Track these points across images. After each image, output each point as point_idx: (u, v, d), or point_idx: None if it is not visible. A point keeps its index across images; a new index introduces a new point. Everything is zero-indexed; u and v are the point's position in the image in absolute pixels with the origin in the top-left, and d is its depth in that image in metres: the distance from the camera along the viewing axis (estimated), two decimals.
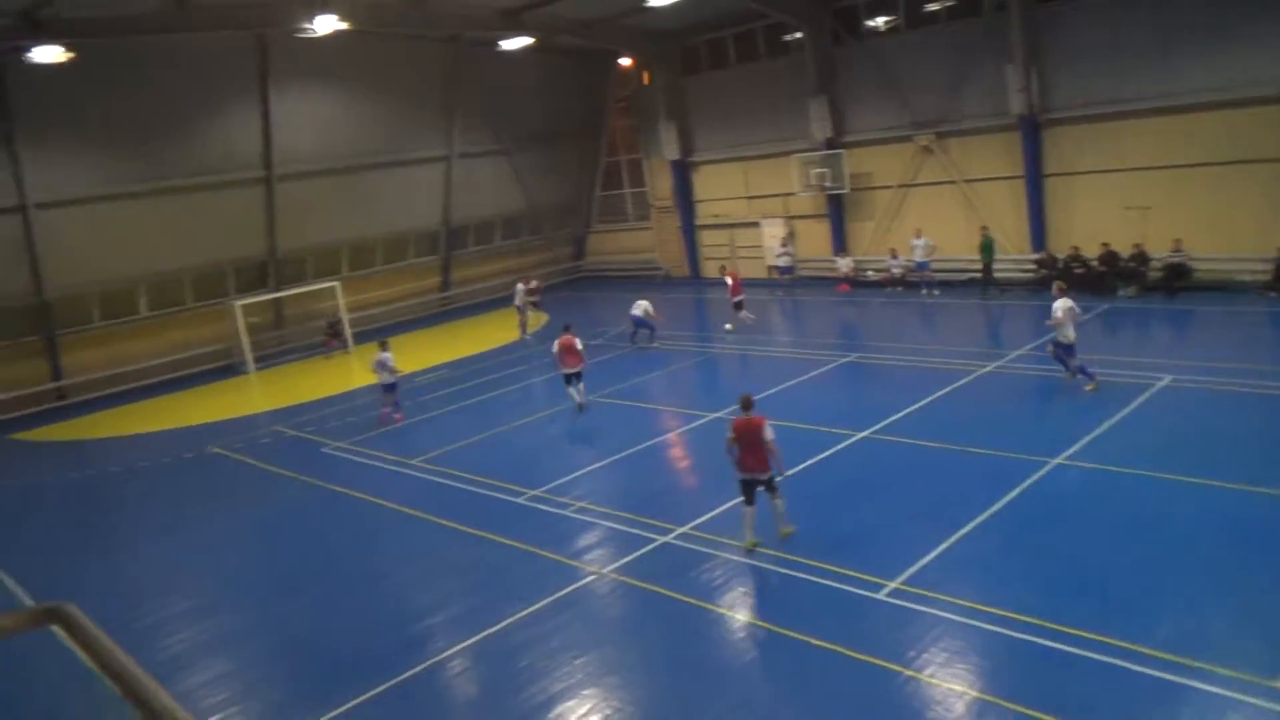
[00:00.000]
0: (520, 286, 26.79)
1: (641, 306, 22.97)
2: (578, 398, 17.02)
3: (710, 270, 33.15)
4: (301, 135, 27.99)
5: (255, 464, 17.77)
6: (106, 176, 24.84)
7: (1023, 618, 8.99)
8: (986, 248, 23.99)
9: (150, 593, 12.45)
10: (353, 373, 26.57)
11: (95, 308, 25.98)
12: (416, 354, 25.59)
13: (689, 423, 16.59)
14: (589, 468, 14.83)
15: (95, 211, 24.84)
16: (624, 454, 15.22)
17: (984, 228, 24.77)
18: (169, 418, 22.96)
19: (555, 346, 17.33)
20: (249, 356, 27.35)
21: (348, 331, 29.13)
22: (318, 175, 28.85)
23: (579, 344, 17.14)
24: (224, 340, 27.98)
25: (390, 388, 18.67)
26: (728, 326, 23.58)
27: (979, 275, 24.31)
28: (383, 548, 12.99)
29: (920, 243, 26.15)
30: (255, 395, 25.44)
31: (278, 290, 29.00)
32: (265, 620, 11.35)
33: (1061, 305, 14.95)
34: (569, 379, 17.33)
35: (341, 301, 29.11)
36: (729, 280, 23.72)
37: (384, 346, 18.86)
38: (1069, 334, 15.04)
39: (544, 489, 14.04)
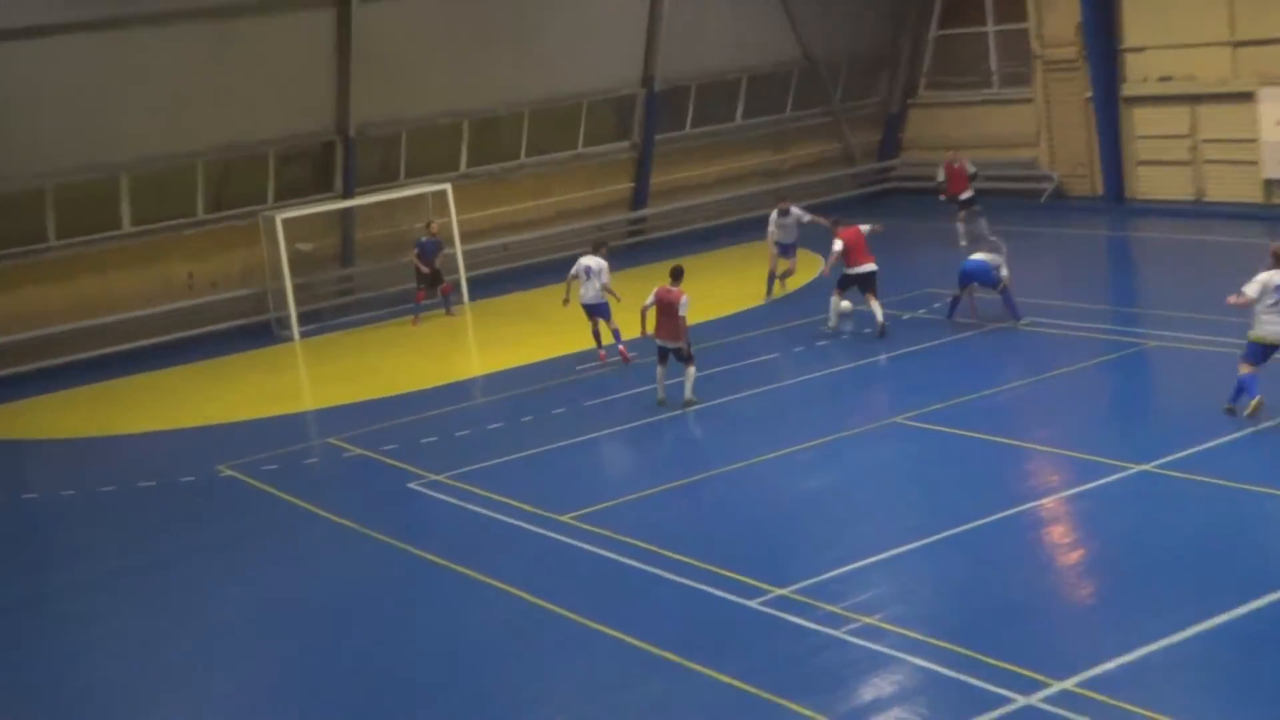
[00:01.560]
0: (775, 216, 27.38)
1: (990, 253, 23.78)
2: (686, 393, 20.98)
3: (1152, 183, 32.55)
4: None
5: (294, 501, 18.80)
6: None
7: None
8: None
9: (115, 716, 13.35)
10: (466, 350, 27.67)
11: (49, 216, 28.17)
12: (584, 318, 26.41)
13: (1086, 478, 16.57)
14: (885, 553, 14.93)
15: (55, 49, 26.58)
16: (953, 531, 15.29)
17: None
18: (156, 410, 24.66)
19: (650, 298, 20.81)
20: (293, 312, 29.09)
21: (461, 274, 30.49)
22: None
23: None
24: (254, 281, 29.95)
25: (598, 309, 23.54)
26: (961, 242, 28.87)
27: None
28: (507, 669, 13.45)
29: None
30: (300, 380, 27.01)
31: (346, 196, 30.73)
32: None
33: None
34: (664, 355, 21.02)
35: (454, 220, 30.48)
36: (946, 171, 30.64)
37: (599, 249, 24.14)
38: None
39: (799, 586, 14.16)
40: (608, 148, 34.69)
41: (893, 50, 37.64)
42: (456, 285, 30.10)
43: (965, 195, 30.76)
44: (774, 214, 27.69)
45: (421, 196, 30.87)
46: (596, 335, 23.95)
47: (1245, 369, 17.60)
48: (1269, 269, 17.67)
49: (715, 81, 35.53)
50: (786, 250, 27.73)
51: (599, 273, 23.48)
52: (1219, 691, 11.50)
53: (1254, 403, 17.38)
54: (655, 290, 20.67)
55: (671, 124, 35.30)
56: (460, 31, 30.79)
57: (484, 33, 31.16)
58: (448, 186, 30.70)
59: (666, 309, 20.34)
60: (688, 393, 20.67)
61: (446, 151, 32.31)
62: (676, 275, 20.65)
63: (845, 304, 24.50)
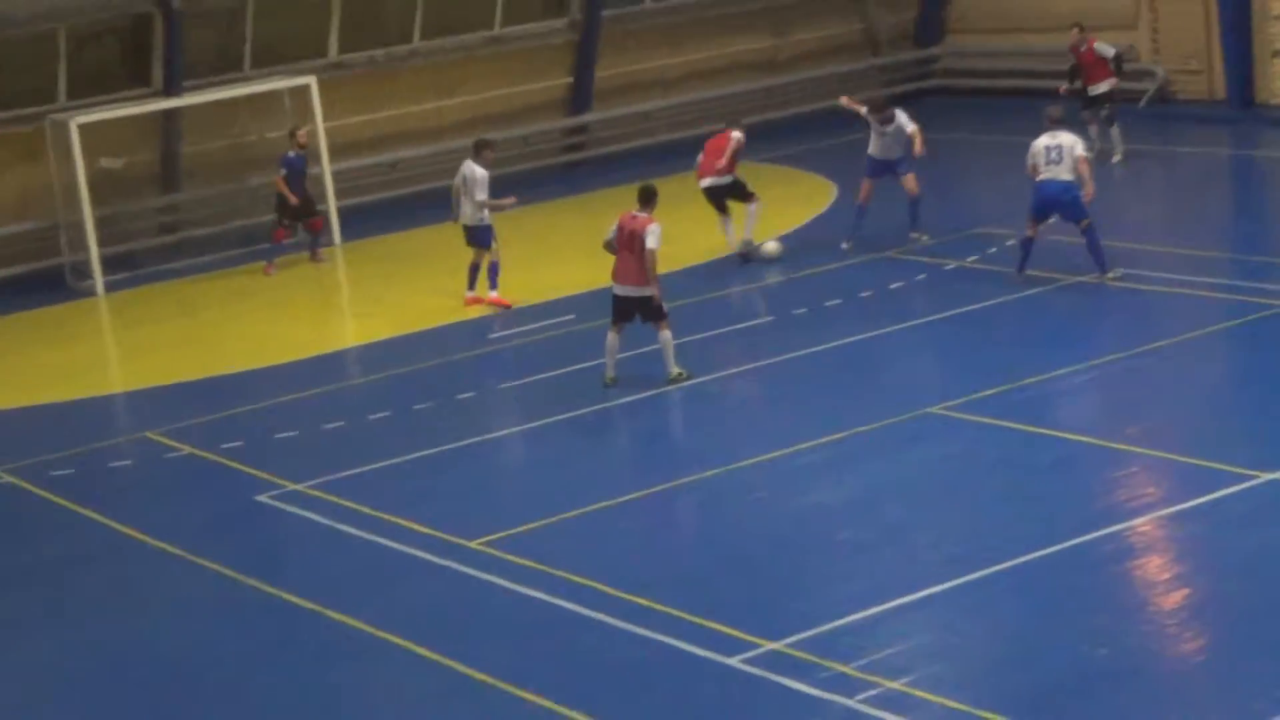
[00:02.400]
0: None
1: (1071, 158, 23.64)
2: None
3: None
4: None
5: (96, 518, 18.81)
6: None
7: None
8: None
9: None
10: (333, 310, 27.77)
11: None
12: (519, 270, 26.57)
13: (1200, 490, 16.76)
14: (916, 593, 15.00)
15: None
16: (1010, 563, 15.40)
17: None
18: None
19: (611, 230, 21.22)
20: (94, 255, 29.15)
21: (330, 205, 30.68)
22: None
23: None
24: (37, 213, 30.07)
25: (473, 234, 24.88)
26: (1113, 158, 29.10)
27: None
28: None
29: None
30: (106, 351, 26.97)
31: (170, 93, 30.74)
32: None
33: None
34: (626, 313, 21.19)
35: (320, 128, 30.54)
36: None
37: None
38: None
39: (797, 639, 14.18)
40: (536, 27, 34.87)
41: None
42: (326, 220, 30.15)
43: (1102, 88, 30.81)
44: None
45: (275, 94, 30.91)
46: (473, 270, 24.91)
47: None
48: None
49: None
50: (884, 169, 27.09)
51: (477, 184, 24.44)
52: None
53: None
54: (618, 219, 20.87)
55: None
56: None
57: None
58: (311, 80, 30.76)
59: (628, 241, 20.49)
60: (670, 367, 20.85)
61: (310, 31, 32.39)
62: (646, 198, 20.83)
63: (772, 245, 25.27)
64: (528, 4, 34.59)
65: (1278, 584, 14.49)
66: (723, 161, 26.15)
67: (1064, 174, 23.16)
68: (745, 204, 26.47)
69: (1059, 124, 23.80)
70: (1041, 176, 23.24)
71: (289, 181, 28.82)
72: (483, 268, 24.84)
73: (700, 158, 26.69)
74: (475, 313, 25.19)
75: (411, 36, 33.34)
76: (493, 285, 24.84)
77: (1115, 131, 29.35)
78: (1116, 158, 29.82)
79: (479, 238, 24.79)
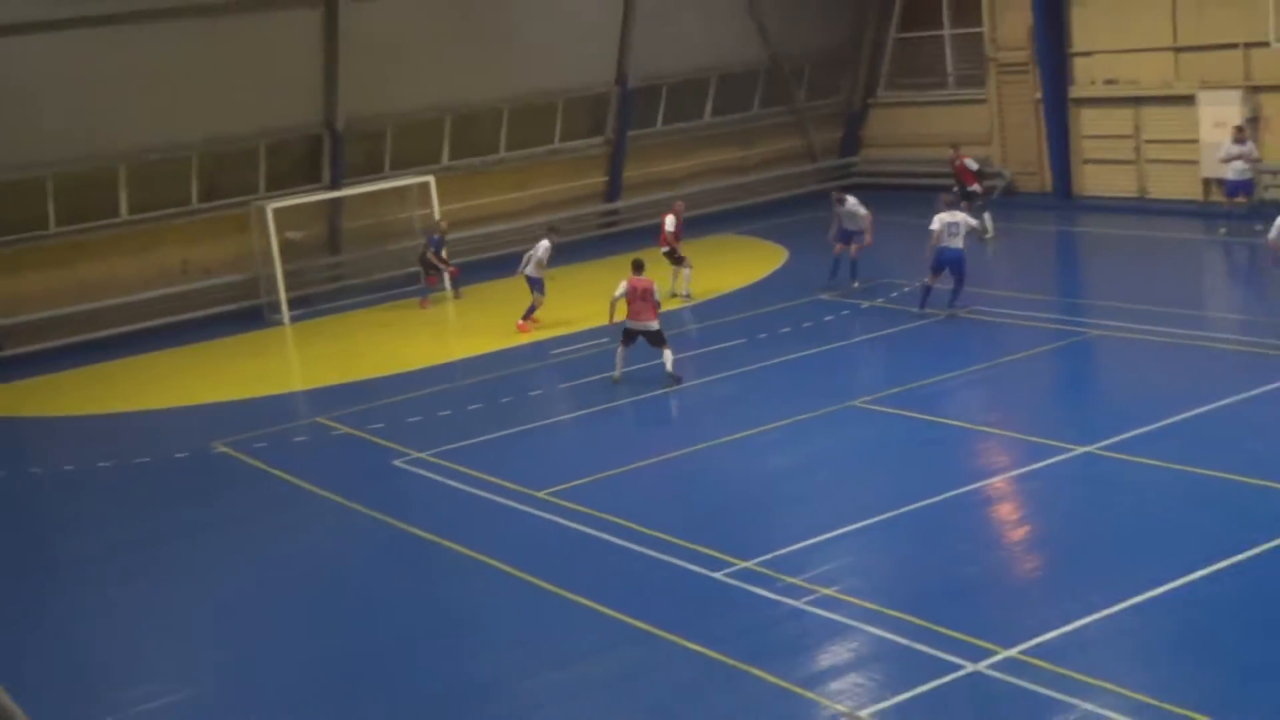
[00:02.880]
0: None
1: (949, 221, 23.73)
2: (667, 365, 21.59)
3: (1097, 181, 32.83)
4: None
5: (284, 477, 18.97)
6: None
7: None
8: None
9: (116, 677, 13.51)
10: (448, 333, 27.81)
11: (49, 204, 28.24)
12: (562, 305, 26.64)
13: (1032, 459, 16.75)
14: (845, 528, 15.07)
15: (55, 44, 26.73)
16: (907, 508, 15.44)
17: None
18: (151, 390, 24.82)
19: (622, 288, 21.54)
20: (282, 296, 29.25)
21: (444, 263, 30.56)
22: None
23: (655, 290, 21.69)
24: (245, 267, 30.01)
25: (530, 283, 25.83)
26: (986, 235, 28.83)
27: None
28: (487, 637, 13.61)
29: None
30: (290, 361, 27.09)
31: (334, 187, 30.84)
32: None
33: None
34: (633, 338, 21.61)
35: (436, 209, 30.55)
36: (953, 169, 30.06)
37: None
38: None
39: (762, 559, 14.31)
40: (583, 143, 34.69)
41: (854, 52, 37.71)
42: (440, 274, 30.12)
43: (974, 188, 29.98)
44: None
45: (406, 187, 30.89)
46: (530, 309, 25.72)
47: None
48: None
49: (685, 81, 35.55)
50: (846, 237, 26.82)
51: (542, 251, 25.40)
52: (1154, 659, 11.73)
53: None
54: (626, 280, 21.31)
55: (643, 121, 35.32)
56: (443, 30, 30.84)
57: (465, 32, 31.17)
58: (431, 178, 30.75)
59: (644, 294, 21.11)
60: (669, 367, 21.15)
61: (430, 145, 32.29)
62: (638, 267, 21.59)
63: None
64: (577, 127, 34.55)
65: (1090, 524, 14.69)
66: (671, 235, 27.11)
67: (958, 243, 23.17)
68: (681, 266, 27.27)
69: (952, 206, 23.90)
70: (944, 244, 23.14)
71: (435, 250, 28.83)
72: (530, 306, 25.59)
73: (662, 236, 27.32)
74: (539, 336, 25.18)
75: (499, 148, 33.36)
76: (525, 316, 25.61)
77: (986, 217, 29.07)
78: (989, 235, 29.31)
79: (536, 286, 25.44)
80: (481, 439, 19.68)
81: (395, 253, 30.29)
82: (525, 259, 25.73)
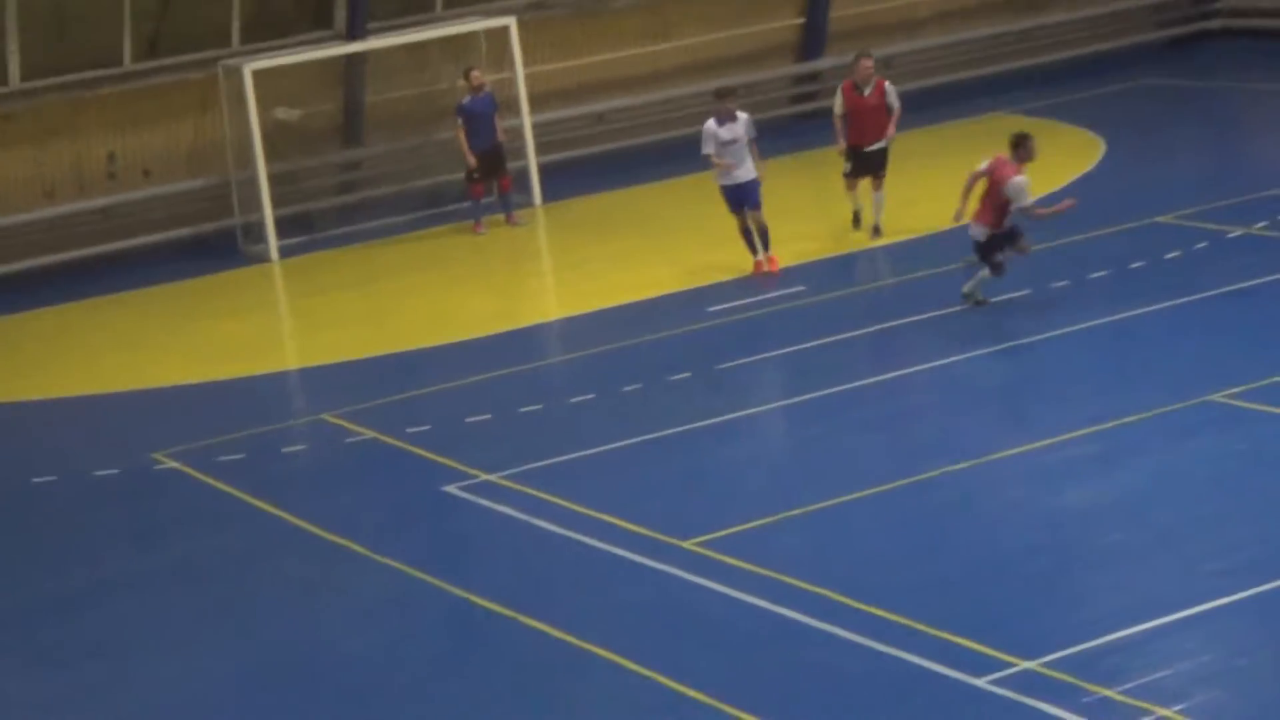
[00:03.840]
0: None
1: None
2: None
3: None
4: None
5: (269, 510, 19.01)
6: None
7: None
8: None
9: None
10: (529, 281, 27.89)
11: None
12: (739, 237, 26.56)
13: None
14: (1191, 609, 14.72)
15: None
16: None
17: None
18: (61, 366, 25.19)
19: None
20: (268, 216, 29.50)
21: (530, 161, 30.75)
22: None
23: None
24: (209, 167, 30.48)
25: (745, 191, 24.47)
26: None
27: None
28: None
29: None
30: (279, 323, 27.31)
31: (353, 36, 31.01)
32: None
33: None
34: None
35: (520, 75, 30.68)
36: None
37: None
38: None
39: (1056, 657, 14.03)
40: None
41: None
42: (519, 179, 30.23)
43: None
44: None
45: (470, 36, 31.08)
46: (748, 235, 24.70)
47: None
48: None
49: None
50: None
51: (741, 132, 24.37)
52: None
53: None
54: (991, 160, 22.24)
55: None
56: None
57: None
58: (511, 21, 30.87)
59: (993, 188, 22.14)
60: (969, 287, 22.13)
61: None
62: (1020, 144, 22.17)
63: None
64: None
65: None
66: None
67: None
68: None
69: None
70: None
71: (468, 130, 29.12)
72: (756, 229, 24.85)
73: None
74: (690, 280, 25.00)
75: None
76: (766, 246, 24.97)
77: None
78: None
79: (750, 195, 24.69)
80: (585, 453, 19.69)
81: (448, 145, 30.28)
82: (735, 150, 24.78)
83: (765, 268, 24.50)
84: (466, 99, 29.31)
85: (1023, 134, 22.38)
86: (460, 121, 29.32)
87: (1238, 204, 25.93)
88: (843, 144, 26.12)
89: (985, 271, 22.26)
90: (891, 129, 26.00)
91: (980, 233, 22.14)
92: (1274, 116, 29.91)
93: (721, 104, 24.60)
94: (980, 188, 22.02)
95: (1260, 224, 24.95)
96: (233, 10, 30.42)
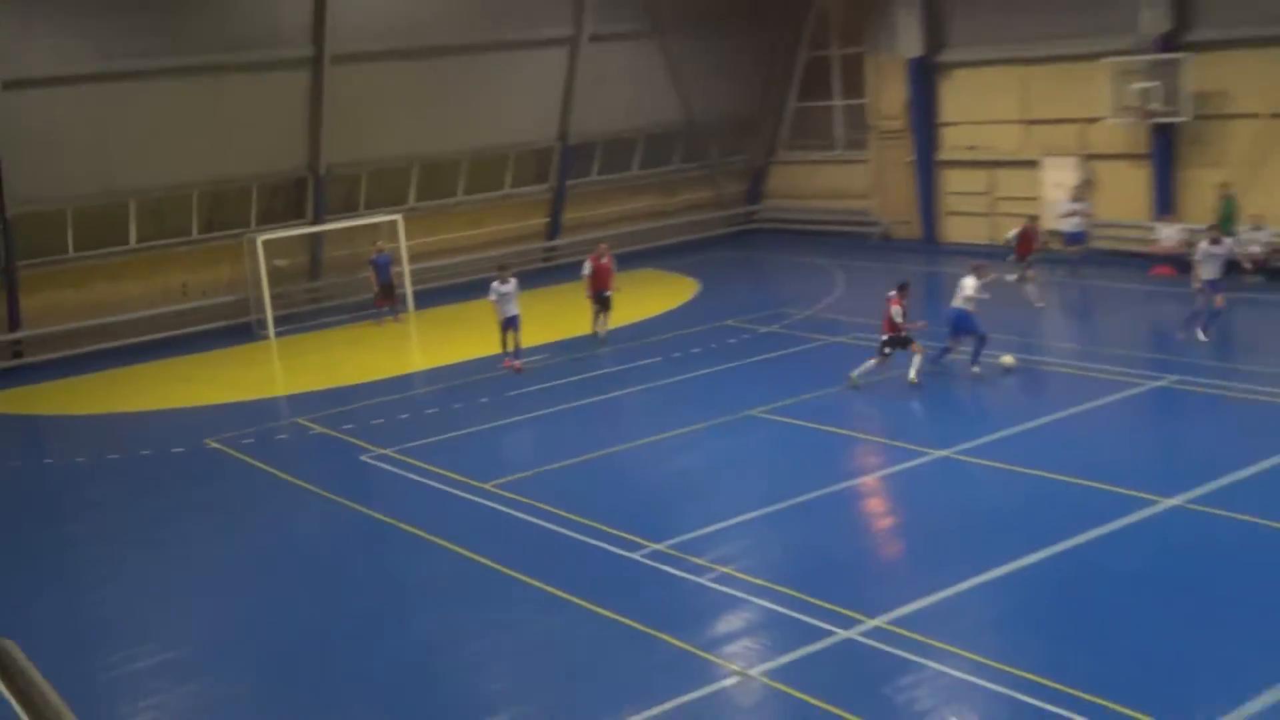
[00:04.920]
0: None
1: (967, 289, 20.82)
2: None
3: (957, 230, 33.25)
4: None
5: (267, 469, 18.88)
6: (95, 48, 26.62)
7: None
8: (1226, 215, 26.40)
9: (116, 637, 13.42)
10: (409, 348, 27.75)
11: (69, 232, 28.01)
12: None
13: (898, 461, 16.96)
14: (741, 517, 15.21)
15: (77, 96, 26.73)
16: (794, 500, 15.61)
17: (1224, 185, 26.56)
18: (155, 393, 24.61)
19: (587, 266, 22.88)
20: (269, 315, 29.01)
21: (408, 288, 30.53)
22: (385, 58, 30.22)
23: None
24: (237, 289, 29.74)
25: (512, 321, 23.13)
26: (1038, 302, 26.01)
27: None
28: (437, 607, 13.66)
29: None
30: (275, 371, 26.83)
31: (316, 222, 30.68)
32: (267, 693, 12.09)
33: None
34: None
35: (403, 243, 30.49)
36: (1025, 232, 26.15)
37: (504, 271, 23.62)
38: None
39: (671, 542, 14.42)
40: (529, 189, 34.66)
41: (759, 118, 37.98)
42: (403, 298, 30.03)
43: (1028, 256, 26.17)
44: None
45: (378, 224, 30.76)
46: (505, 344, 23.53)
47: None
48: None
49: (617, 138, 35.64)
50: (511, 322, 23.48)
51: (512, 289, 23.21)
52: (992, 628, 11.96)
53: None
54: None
55: (581, 171, 35.34)
56: (412, 92, 30.79)
57: (431, 93, 31.12)
58: (399, 216, 30.68)
59: (887, 312, 20.26)
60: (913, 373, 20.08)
61: (399, 188, 32.16)
62: (903, 289, 20.46)
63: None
64: (524, 176, 34.56)
65: (945, 515, 14.87)
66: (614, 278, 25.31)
67: (958, 303, 20.90)
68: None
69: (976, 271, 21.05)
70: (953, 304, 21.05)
71: (375, 273, 28.99)
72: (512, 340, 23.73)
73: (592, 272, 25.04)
74: (492, 350, 24.36)
75: (457, 192, 33.32)
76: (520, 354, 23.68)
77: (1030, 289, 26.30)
78: (1039, 304, 25.87)
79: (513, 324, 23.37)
80: (437, 438, 19.64)
81: (367, 279, 30.13)
82: (507, 299, 23.27)
83: (514, 365, 23.23)
84: (375, 255, 29.03)
85: (904, 282, 20.81)
86: (371, 267, 29.07)
87: (767, 315, 26.27)
88: (590, 291, 25.08)
89: (871, 361, 20.35)
90: (615, 281, 25.31)
91: (883, 337, 20.33)
92: (787, 274, 30.41)
93: (502, 272, 23.59)
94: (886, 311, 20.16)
95: (776, 325, 25.41)
96: (252, 207, 30.00)
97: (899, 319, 20.22)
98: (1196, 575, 12.68)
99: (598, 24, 33.03)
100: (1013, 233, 26.48)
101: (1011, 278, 25.40)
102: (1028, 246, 25.99)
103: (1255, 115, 26.78)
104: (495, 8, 31.41)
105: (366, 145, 30.72)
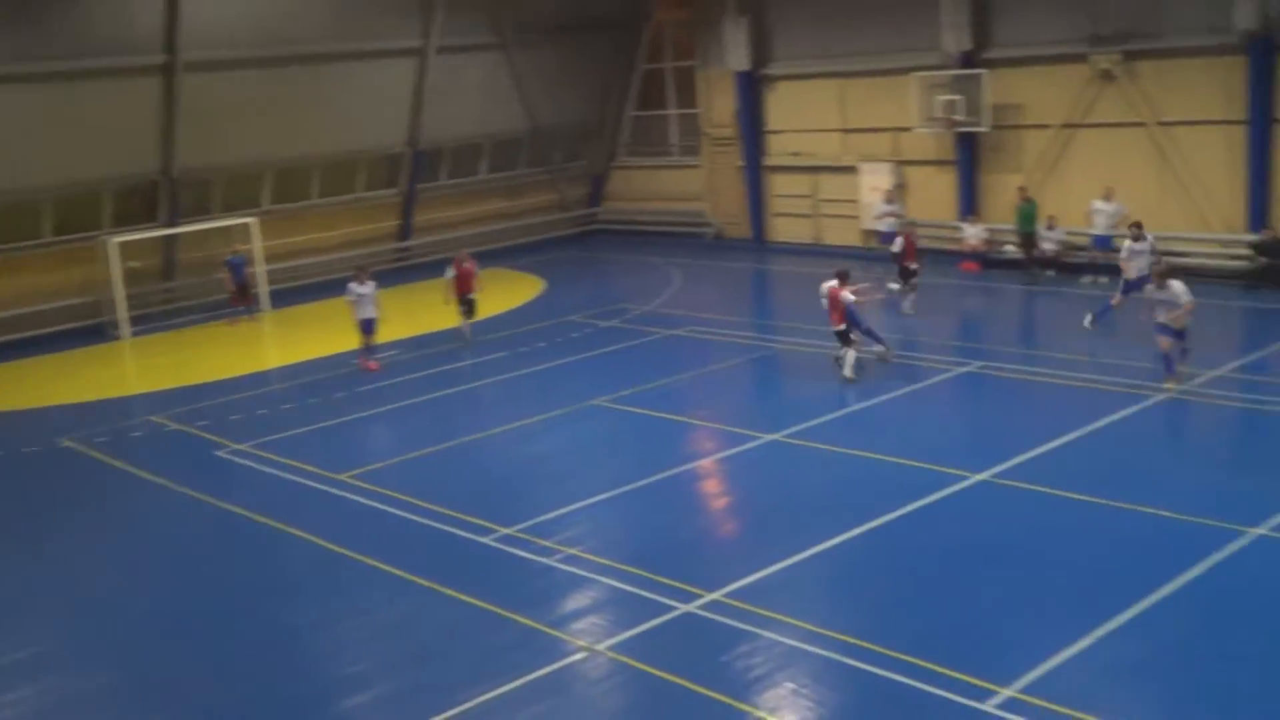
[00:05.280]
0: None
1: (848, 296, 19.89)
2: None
3: (784, 230, 33.62)
4: (221, 6, 28.44)
5: (123, 467, 18.12)
6: None
7: None
8: (1026, 216, 27.30)
9: None
10: (265, 347, 26.97)
11: None
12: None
13: (732, 445, 17.08)
14: (586, 501, 15.16)
15: None
16: (636, 485, 15.62)
17: (1022, 188, 27.40)
18: (8, 393, 23.42)
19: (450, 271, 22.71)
20: (123, 316, 27.84)
21: (263, 287, 29.60)
22: (238, 66, 29.30)
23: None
24: (91, 291, 28.45)
25: (368, 324, 22.60)
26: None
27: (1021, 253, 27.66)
28: (294, 594, 13.29)
29: (1107, 208, 25.97)
30: (129, 370, 25.79)
31: (170, 225, 29.55)
32: (126, 685, 11.58)
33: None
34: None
35: (258, 245, 29.61)
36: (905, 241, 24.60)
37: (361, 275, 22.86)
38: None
39: (521, 526, 14.32)
40: (380, 193, 34.01)
41: (599, 126, 38.00)
42: (258, 298, 29.17)
43: (914, 266, 24.53)
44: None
45: (232, 227, 29.79)
46: (364, 342, 22.86)
47: None
48: None
49: (465, 144, 35.23)
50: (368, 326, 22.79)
51: (370, 290, 22.60)
52: (818, 598, 12.16)
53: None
54: (830, 287, 19.49)
55: (430, 176, 34.85)
56: (265, 98, 29.92)
57: (284, 99, 30.29)
58: (253, 219, 29.80)
59: (832, 302, 19.49)
60: (848, 371, 19.23)
61: (253, 191, 31.24)
62: (844, 276, 19.47)
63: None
64: (376, 180, 33.90)
65: (775, 495, 15.10)
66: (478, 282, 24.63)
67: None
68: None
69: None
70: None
71: (231, 274, 28.27)
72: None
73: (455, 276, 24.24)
74: (345, 347, 23.89)
75: (311, 195, 32.53)
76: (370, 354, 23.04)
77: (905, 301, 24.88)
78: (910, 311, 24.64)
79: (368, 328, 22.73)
80: (292, 432, 19.15)
81: (222, 280, 29.18)
82: (365, 300, 22.60)
83: (368, 364, 22.55)
84: (230, 256, 28.15)
85: (844, 270, 19.76)
86: (227, 268, 28.18)
87: (608, 311, 26.27)
88: (453, 294, 24.19)
89: (847, 353, 19.47)
90: (478, 284, 24.52)
91: (838, 327, 19.46)
92: (627, 272, 30.52)
93: (359, 274, 22.85)
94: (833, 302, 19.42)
95: (617, 320, 25.47)
96: (105, 209, 28.77)
97: (856, 298, 19.61)
98: (1004, 543, 13.08)
99: (445, 37, 32.60)
100: (898, 245, 24.47)
101: (895, 286, 24.79)
102: (911, 256, 24.33)
103: (1046, 125, 27.79)
104: (347, 18, 30.76)
105: (220, 150, 29.72)
